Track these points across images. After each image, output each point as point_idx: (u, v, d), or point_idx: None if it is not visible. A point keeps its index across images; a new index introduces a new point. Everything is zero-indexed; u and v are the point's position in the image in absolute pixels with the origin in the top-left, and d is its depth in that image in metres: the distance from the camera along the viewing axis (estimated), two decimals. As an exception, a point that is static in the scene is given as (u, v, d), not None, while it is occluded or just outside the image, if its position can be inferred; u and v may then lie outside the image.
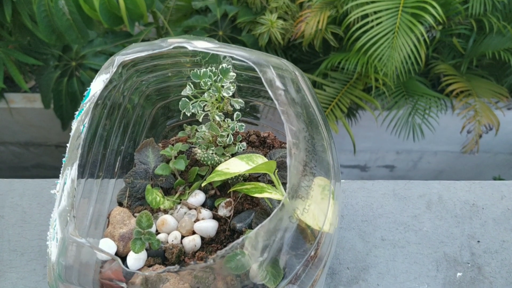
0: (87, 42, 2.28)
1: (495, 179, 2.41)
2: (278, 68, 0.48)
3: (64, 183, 0.47)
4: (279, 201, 0.70)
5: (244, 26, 2.31)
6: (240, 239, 0.41)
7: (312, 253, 0.49)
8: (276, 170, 0.68)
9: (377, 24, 1.99)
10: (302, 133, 0.45)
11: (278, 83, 0.45)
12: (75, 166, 0.46)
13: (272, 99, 0.80)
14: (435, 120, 2.23)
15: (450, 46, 2.30)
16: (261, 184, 0.66)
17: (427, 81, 2.40)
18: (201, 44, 0.51)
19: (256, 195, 0.63)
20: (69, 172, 0.47)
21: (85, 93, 0.55)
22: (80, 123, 0.49)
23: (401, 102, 2.23)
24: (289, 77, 0.50)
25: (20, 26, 2.29)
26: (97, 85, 0.54)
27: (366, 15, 2.04)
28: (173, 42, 0.51)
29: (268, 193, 0.63)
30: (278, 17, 2.20)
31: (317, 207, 0.47)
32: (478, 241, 0.82)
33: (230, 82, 0.67)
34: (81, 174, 0.68)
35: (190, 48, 0.51)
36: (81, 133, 0.48)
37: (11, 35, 2.34)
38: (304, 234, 0.47)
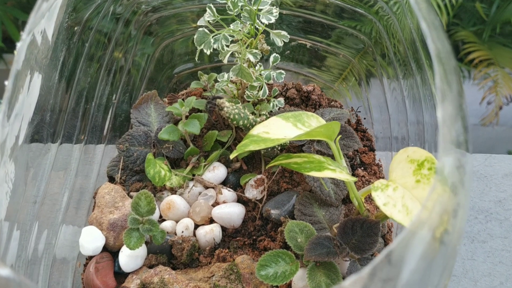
0: (89, -1, 2.03)
1: (510, 153, 2.18)
2: None
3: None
4: (333, 180, 0.46)
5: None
6: None
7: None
8: (339, 137, 0.43)
9: (397, -15, 1.74)
10: (451, 61, 0.21)
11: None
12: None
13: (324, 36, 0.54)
14: (452, 90, 1.99)
15: (472, 11, 2.03)
16: (317, 157, 0.41)
17: (444, 49, 2.14)
18: None
19: (312, 173, 0.38)
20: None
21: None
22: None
23: (417, 71, 1.99)
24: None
25: (17, -19, 2.04)
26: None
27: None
28: None
29: (331, 171, 0.38)
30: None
31: (465, 205, 0.23)
32: None
33: (272, 4, 0.41)
34: (50, 136, 0.43)
35: None
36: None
37: (9, -9, 2.09)
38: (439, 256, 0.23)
